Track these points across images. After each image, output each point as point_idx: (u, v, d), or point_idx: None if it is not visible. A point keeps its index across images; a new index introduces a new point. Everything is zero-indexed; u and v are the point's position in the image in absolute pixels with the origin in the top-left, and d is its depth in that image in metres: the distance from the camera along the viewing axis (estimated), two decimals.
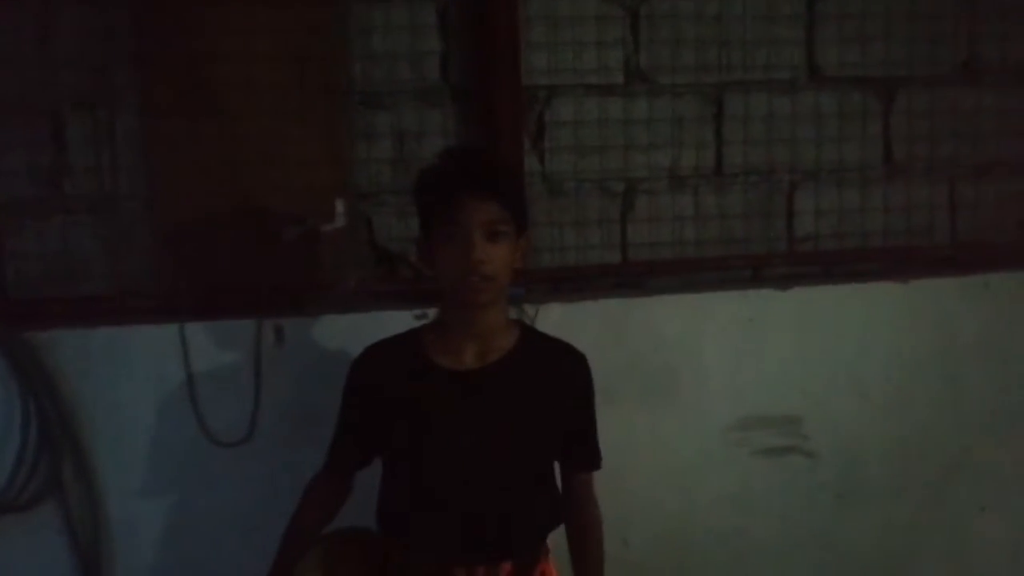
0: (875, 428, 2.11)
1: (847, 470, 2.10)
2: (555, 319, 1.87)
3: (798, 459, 2.09)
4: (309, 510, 1.54)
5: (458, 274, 1.38)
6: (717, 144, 2.15)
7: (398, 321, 1.76)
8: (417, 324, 1.75)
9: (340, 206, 1.96)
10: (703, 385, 2.03)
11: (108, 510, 1.81)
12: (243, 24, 1.87)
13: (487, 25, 1.96)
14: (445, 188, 1.40)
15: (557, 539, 1.54)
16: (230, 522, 1.84)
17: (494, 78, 1.97)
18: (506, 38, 1.97)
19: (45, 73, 1.85)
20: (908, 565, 2.14)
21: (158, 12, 1.86)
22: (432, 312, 1.86)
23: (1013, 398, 2.16)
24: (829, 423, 2.09)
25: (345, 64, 1.96)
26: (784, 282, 2.10)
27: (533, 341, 1.51)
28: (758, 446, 2.07)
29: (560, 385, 1.49)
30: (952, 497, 2.15)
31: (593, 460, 1.55)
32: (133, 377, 1.81)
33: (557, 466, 1.54)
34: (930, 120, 2.22)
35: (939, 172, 2.24)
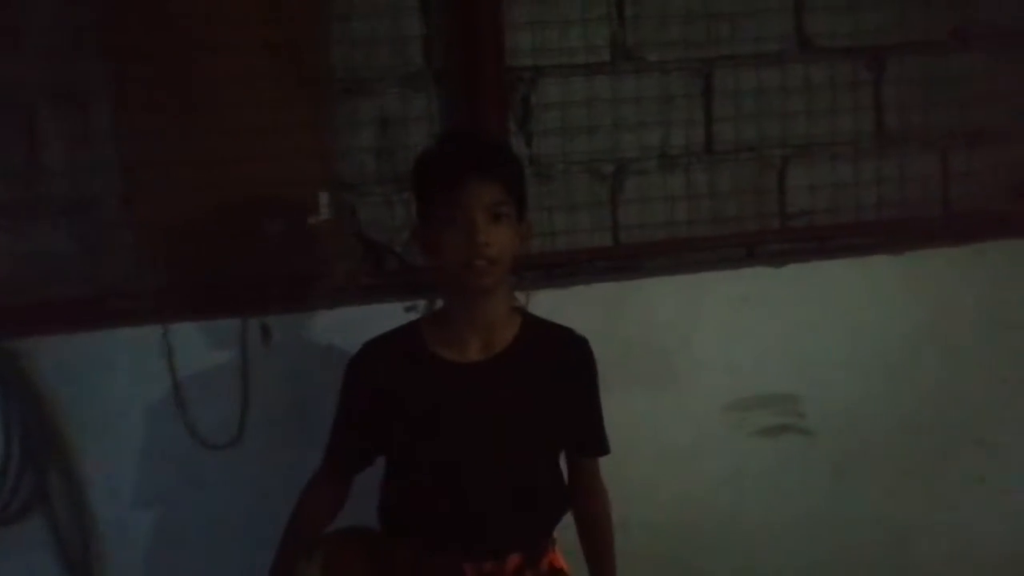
0: (873, 404, 2.09)
1: (845, 447, 2.09)
2: (547, 306, 1.83)
3: (795, 438, 2.08)
4: (307, 513, 1.51)
5: (461, 259, 1.35)
6: (707, 121, 2.10)
7: (388, 314, 1.73)
8: (408, 316, 1.73)
9: (324, 198, 1.91)
10: (699, 367, 2.01)
11: (97, 518, 1.77)
12: (218, 13, 1.81)
13: (469, 6, 1.91)
14: (446, 170, 1.37)
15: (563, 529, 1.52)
16: (222, 525, 1.81)
17: (478, 60, 1.92)
18: (489, 18, 1.92)
19: (16, 68, 1.79)
20: (907, 541, 2.14)
21: (131, 2, 1.80)
22: (422, 304, 1.84)
23: (1012, 369, 2.15)
24: (826, 400, 2.07)
25: (325, 51, 1.90)
26: (778, 259, 2.07)
27: (535, 329, 1.49)
28: (755, 426, 2.06)
29: (564, 372, 1.48)
30: (952, 471, 2.15)
31: (601, 446, 1.54)
32: (117, 381, 1.77)
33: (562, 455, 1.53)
34: (922, 88, 2.18)
35: (931, 141, 2.21)
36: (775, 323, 2.04)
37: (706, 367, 2.02)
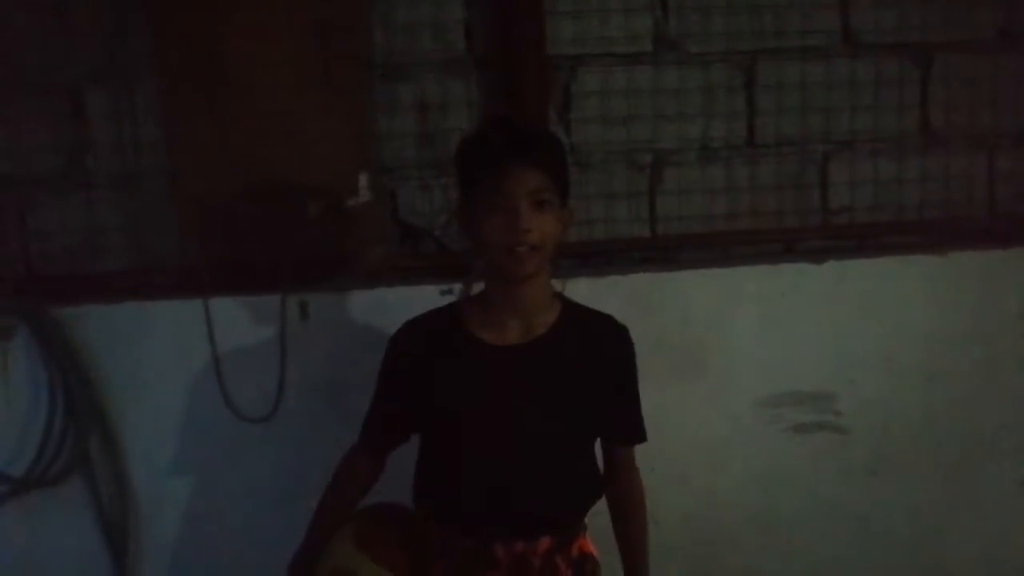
0: (910, 405, 2.06)
1: (880, 447, 2.06)
2: (583, 294, 1.83)
3: (830, 436, 2.05)
4: (342, 487, 1.52)
5: (503, 245, 1.35)
6: (749, 114, 2.09)
7: (423, 296, 1.74)
8: (443, 299, 1.74)
9: (364, 180, 1.93)
10: (733, 361, 2.00)
11: (134, 484, 1.82)
12: None
13: None
14: (490, 156, 1.37)
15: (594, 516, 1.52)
16: (256, 496, 1.84)
17: (519, 48, 1.93)
18: (530, 6, 1.93)
19: (63, 48, 1.84)
20: (942, 543, 2.10)
21: None
22: (457, 287, 1.85)
23: None
24: (862, 400, 2.04)
25: (367, 35, 1.92)
26: (818, 255, 2.05)
27: (575, 315, 1.48)
28: (789, 423, 2.03)
29: (603, 358, 1.47)
30: (988, 474, 2.10)
31: (638, 434, 1.53)
32: (158, 352, 1.81)
33: (597, 440, 1.52)
34: (969, 87, 2.14)
35: (978, 141, 2.17)
36: (812, 320, 2.01)
37: (741, 362, 2.00)
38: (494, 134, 1.40)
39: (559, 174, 1.40)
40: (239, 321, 1.83)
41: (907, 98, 2.13)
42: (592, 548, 1.51)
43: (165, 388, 1.81)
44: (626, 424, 1.52)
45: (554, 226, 1.38)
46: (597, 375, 1.46)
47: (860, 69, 2.11)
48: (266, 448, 1.83)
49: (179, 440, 1.82)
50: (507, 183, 1.34)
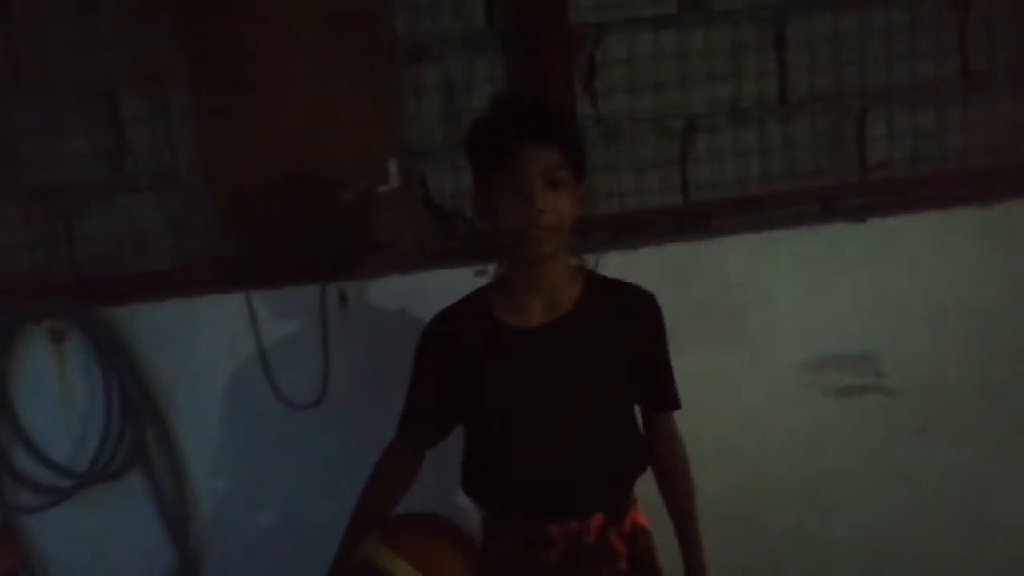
0: (956, 363, 2.02)
1: (928, 407, 2.03)
2: (616, 268, 1.80)
3: (876, 397, 2.02)
4: (380, 484, 1.53)
5: (519, 227, 1.34)
6: (780, 71, 2.04)
7: (459, 279, 1.75)
8: (478, 281, 1.75)
9: (393, 166, 1.94)
10: (774, 326, 1.98)
11: (191, 475, 1.88)
12: None
13: None
14: (501, 137, 1.35)
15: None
16: (306, 481, 1.89)
17: (541, 19, 1.91)
18: None
19: (97, 54, 1.87)
20: (992, 503, 2.07)
21: None
22: (492, 268, 1.85)
23: None
24: (908, 359, 2.01)
25: (388, 19, 1.91)
26: (857, 214, 2.00)
27: (599, 287, 1.48)
28: (833, 386, 2.01)
29: (630, 328, 1.46)
30: None
31: (671, 399, 1.53)
32: (205, 346, 1.85)
33: (638, 410, 1.53)
34: (1010, 26, 2.05)
35: (1021, 83, 2.08)
36: (854, 281, 1.98)
37: (782, 327, 1.98)
38: (503, 114, 1.39)
39: (572, 151, 1.38)
40: (281, 312, 1.86)
41: (945, 43, 2.05)
42: (644, 520, 1.52)
43: (214, 380, 1.86)
44: (660, 391, 1.52)
45: (570, 205, 1.37)
46: (625, 344, 1.45)
47: (895, 16, 2.03)
48: (315, 434, 1.88)
49: (230, 430, 1.88)
50: (519, 164, 1.32)
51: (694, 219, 2.05)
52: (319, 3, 1.87)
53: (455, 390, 1.47)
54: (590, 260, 1.85)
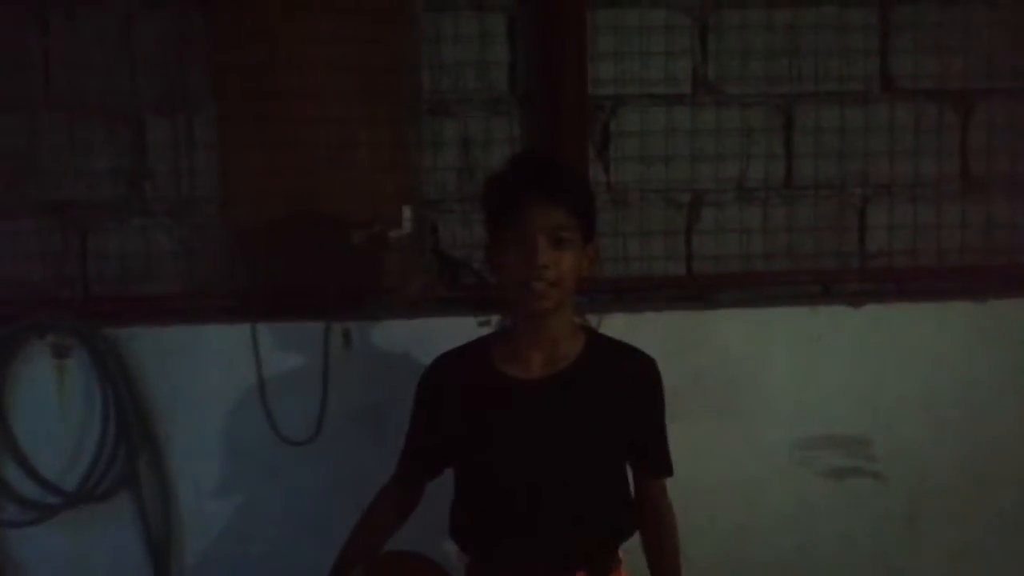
0: (947, 452, 2.03)
1: (917, 494, 2.03)
2: (619, 329, 1.85)
3: (866, 481, 2.03)
4: (374, 517, 1.53)
5: (522, 280, 1.37)
6: (787, 156, 2.11)
7: (462, 327, 1.78)
8: (481, 331, 1.77)
9: (407, 212, 1.99)
10: (768, 402, 2.00)
11: (179, 502, 1.86)
12: (314, 33, 1.92)
13: (555, 35, 1.98)
14: (510, 193, 1.40)
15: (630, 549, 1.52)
16: (296, 518, 1.87)
17: (560, 87, 1.99)
18: (573, 48, 1.98)
19: (126, 79, 1.93)
20: None
21: (233, 20, 1.92)
22: (495, 319, 1.88)
23: None
24: (899, 446, 2.02)
25: (414, 73, 1.99)
26: (856, 299, 2.05)
27: (600, 346, 1.50)
28: (823, 466, 2.02)
29: (629, 390, 1.47)
30: None
31: (665, 465, 1.53)
32: (206, 374, 1.87)
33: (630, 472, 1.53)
34: (1010, 134, 2.14)
35: (1019, 188, 2.16)
36: (849, 363, 2.01)
37: (775, 403, 2.00)
38: (517, 171, 1.43)
39: (582, 212, 1.41)
40: (284, 346, 1.88)
41: (946, 144, 2.14)
42: None
43: (211, 409, 1.86)
44: (653, 456, 1.52)
45: (574, 263, 1.40)
46: (622, 406, 1.46)
47: (899, 114, 2.12)
48: (307, 470, 1.87)
49: (223, 460, 1.87)
50: (525, 219, 1.36)
51: (696, 289, 2.09)
52: (353, 54, 1.94)
53: (449, 432, 1.48)
54: (592, 320, 1.90)
